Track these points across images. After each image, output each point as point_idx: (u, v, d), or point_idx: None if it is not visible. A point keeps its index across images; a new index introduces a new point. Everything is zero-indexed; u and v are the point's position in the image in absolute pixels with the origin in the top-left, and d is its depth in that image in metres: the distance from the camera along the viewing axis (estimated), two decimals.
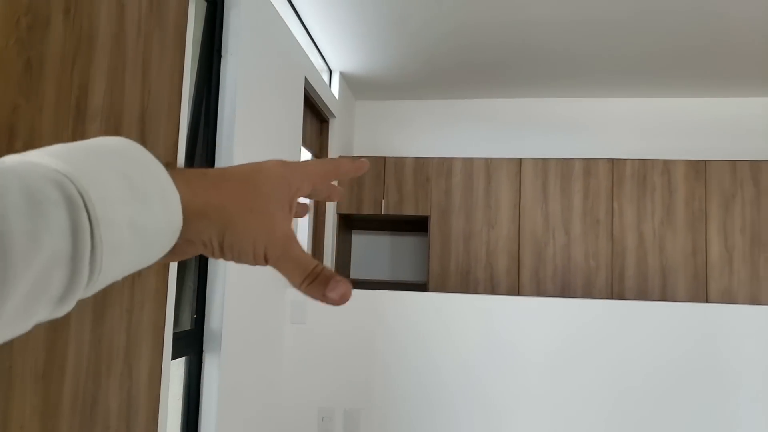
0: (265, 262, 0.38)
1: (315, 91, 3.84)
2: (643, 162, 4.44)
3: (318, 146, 4.45)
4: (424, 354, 3.01)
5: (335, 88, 4.56)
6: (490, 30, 3.70)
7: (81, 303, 0.36)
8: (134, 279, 1.48)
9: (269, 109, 2.78)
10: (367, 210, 4.70)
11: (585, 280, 4.40)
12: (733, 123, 4.81)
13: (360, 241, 5.24)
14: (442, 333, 3.01)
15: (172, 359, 1.72)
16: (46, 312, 0.29)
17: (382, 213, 4.68)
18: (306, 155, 4.20)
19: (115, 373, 1.41)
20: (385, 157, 4.75)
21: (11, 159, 0.30)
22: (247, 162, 0.42)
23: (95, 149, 0.32)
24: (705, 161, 4.38)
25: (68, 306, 0.30)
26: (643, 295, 4.29)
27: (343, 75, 4.66)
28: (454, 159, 4.65)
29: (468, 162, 4.63)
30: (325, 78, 4.42)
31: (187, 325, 2.10)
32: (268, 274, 2.81)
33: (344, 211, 4.71)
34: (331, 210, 4.56)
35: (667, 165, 4.41)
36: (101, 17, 1.39)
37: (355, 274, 5.14)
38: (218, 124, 2.29)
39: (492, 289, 4.46)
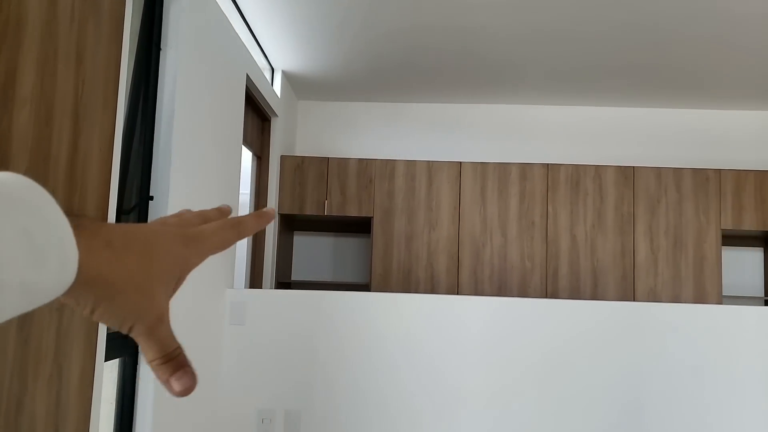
0: (128, 332, 0.38)
1: (257, 88, 3.79)
2: (576, 167, 4.63)
3: (259, 145, 4.39)
4: (364, 354, 3.02)
5: (277, 87, 4.52)
6: (433, 34, 3.76)
7: None
8: None
9: (209, 105, 2.72)
10: (310, 210, 4.67)
11: (521, 280, 4.54)
12: (658, 132, 5.09)
13: (302, 242, 5.20)
14: (383, 333, 3.03)
15: (106, 361, 1.65)
16: None
17: (326, 214, 4.66)
18: (247, 154, 4.13)
19: (44, 375, 1.34)
20: (328, 158, 4.74)
21: None
22: (153, 221, 0.41)
23: None
24: (633, 167, 4.61)
25: None
26: (575, 294, 4.46)
27: (285, 74, 4.62)
28: (397, 161, 4.69)
29: (411, 164, 4.68)
30: (268, 76, 4.36)
31: None
32: (207, 275, 2.74)
33: (286, 212, 4.66)
34: None
35: (598, 171, 4.61)
36: (31, 1, 1.33)
37: (297, 275, 5.10)
38: (156, 119, 2.22)
39: (432, 289, 4.53)
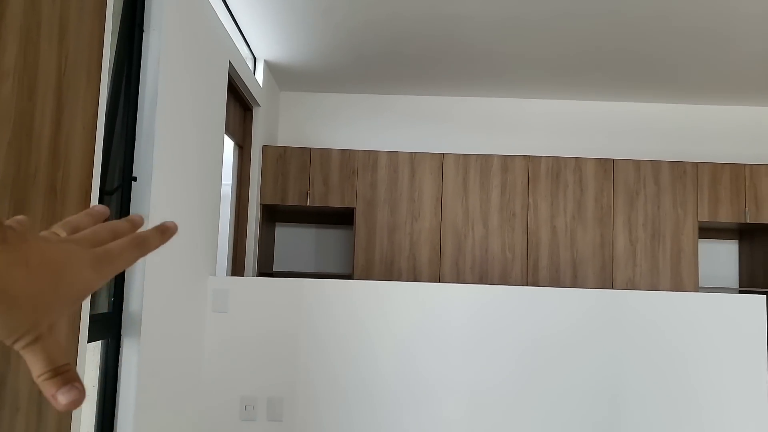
0: (13, 344, 0.37)
1: (239, 77, 3.76)
2: (557, 159, 4.68)
3: (241, 134, 4.36)
4: (346, 341, 3.02)
5: (259, 77, 4.48)
6: (417, 23, 3.77)
7: None
8: None
9: (192, 90, 2.69)
10: (293, 201, 4.66)
11: (502, 271, 4.58)
12: (638, 126, 5.17)
13: (284, 233, 5.18)
14: (365, 320, 3.04)
15: (89, 342, 1.63)
16: None
17: (308, 204, 4.65)
18: (229, 144, 4.10)
19: None
20: (311, 149, 4.72)
21: None
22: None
23: None
24: (613, 160, 4.68)
25: None
26: (555, 284, 4.52)
27: (267, 64, 4.59)
28: (380, 152, 4.70)
29: (393, 156, 4.69)
30: (250, 65, 4.33)
31: (104, 308, 2.00)
32: (189, 262, 2.72)
33: (269, 202, 4.64)
34: (254, 201, 4.48)
35: (578, 163, 4.67)
36: None
37: (278, 266, 5.08)
38: (139, 101, 2.19)
39: (414, 279, 4.55)
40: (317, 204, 4.64)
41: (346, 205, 4.65)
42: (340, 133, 5.22)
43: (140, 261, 2.08)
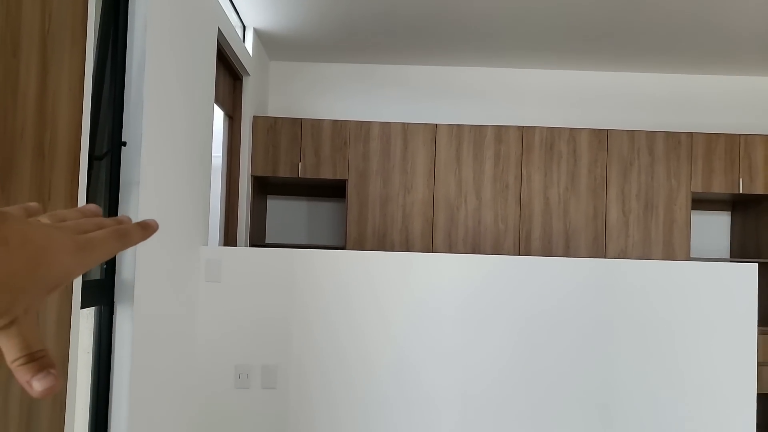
0: None
1: (229, 45, 3.67)
2: (551, 130, 4.65)
3: (231, 104, 4.28)
4: (339, 310, 3.02)
5: (249, 46, 4.39)
6: None
7: None
8: None
9: (181, 56, 2.63)
10: (284, 173, 4.61)
11: (494, 242, 4.58)
12: (632, 96, 5.13)
13: (276, 206, 5.14)
14: (357, 289, 3.03)
15: (82, 308, 1.60)
16: None
17: (299, 176, 4.60)
18: (218, 113, 4.03)
19: None
20: (302, 119, 4.66)
21: None
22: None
23: None
24: (607, 131, 4.66)
25: None
26: (548, 255, 4.53)
27: (257, 32, 4.49)
28: (372, 123, 4.64)
29: (386, 126, 4.64)
30: (239, 33, 4.23)
31: (96, 274, 1.97)
32: (181, 232, 2.68)
33: (260, 174, 4.59)
34: (245, 172, 4.43)
35: (572, 133, 4.64)
36: None
37: (270, 239, 5.05)
38: (127, 65, 2.13)
39: (407, 251, 4.54)
40: (309, 176, 4.60)
41: (338, 176, 4.61)
42: (332, 104, 5.15)
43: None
